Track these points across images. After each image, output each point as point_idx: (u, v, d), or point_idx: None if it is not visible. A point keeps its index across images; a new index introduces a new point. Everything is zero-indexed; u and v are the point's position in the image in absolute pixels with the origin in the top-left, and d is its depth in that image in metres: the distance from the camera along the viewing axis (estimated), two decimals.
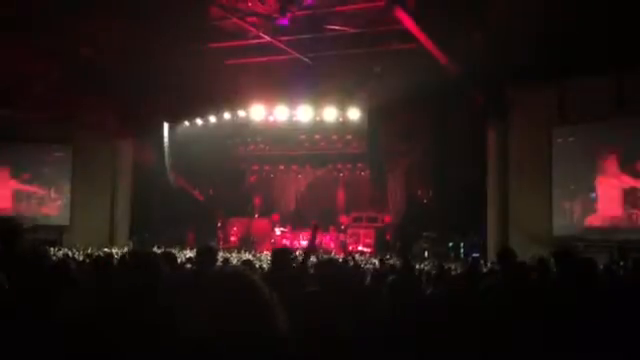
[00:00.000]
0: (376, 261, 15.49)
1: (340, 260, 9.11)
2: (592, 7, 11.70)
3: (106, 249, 15.71)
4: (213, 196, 23.39)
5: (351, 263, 8.85)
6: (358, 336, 3.53)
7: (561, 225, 15.52)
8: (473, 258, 15.77)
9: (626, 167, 14.55)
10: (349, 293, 4.40)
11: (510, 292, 4.52)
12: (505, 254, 5.75)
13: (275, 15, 14.29)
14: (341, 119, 19.28)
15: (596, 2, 11.67)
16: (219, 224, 23.27)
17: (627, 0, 11.57)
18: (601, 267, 6.91)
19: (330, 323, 3.48)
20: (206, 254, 5.45)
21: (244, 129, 21.36)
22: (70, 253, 13.28)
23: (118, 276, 2.95)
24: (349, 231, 21.67)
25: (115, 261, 6.60)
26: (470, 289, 5.12)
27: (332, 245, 21.22)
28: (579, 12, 11.84)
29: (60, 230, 19.66)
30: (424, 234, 19.11)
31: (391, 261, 12.87)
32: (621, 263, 7.72)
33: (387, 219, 21.79)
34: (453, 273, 9.10)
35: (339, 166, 23.39)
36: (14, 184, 20.26)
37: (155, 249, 12.73)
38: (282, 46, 16.20)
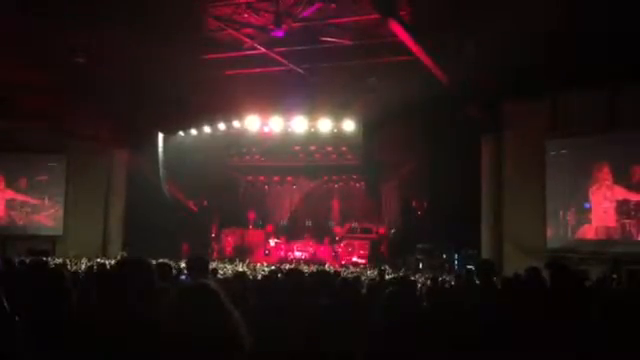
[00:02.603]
0: (370, 272, 15.54)
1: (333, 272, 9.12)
2: (585, 21, 11.79)
3: (99, 259, 15.65)
4: (207, 207, 23.37)
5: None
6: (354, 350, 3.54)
7: (555, 237, 15.56)
8: (467, 270, 15.80)
9: (619, 179, 14.62)
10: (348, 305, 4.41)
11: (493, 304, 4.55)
12: (483, 267, 5.79)
13: (270, 27, 14.34)
14: (336, 130, 19.33)
15: (589, 16, 11.76)
16: (213, 235, 23.24)
17: (622, 15, 11.65)
18: (595, 279, 6.96)
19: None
20: (196, 264, 5.48)
21: (239, 140, 21.38)
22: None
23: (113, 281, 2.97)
24: (343, 242, 21.67)
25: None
26: (463, 302, 5.14)
27: (326, 256, 21.22)
28: (573, 26, 11.94)
29: (53, 240, 19.61)
30: (418, 246, 19.11)
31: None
32: (614, 276, 7.78)
33: (382, 231, 21.81)
34: (447, 285, 9.12)
35: (334, 177, 23.45)
36: (8, 193, 20.22)
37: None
38: (277, 57, 16.26)
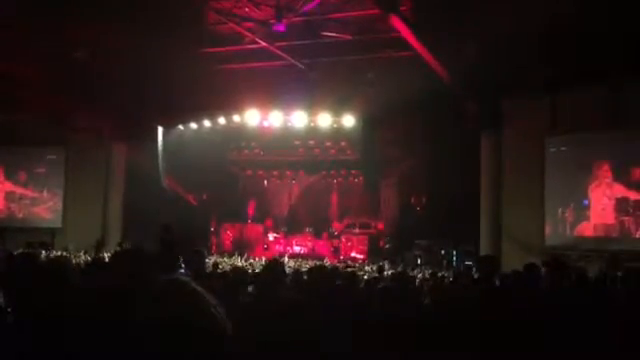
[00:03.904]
0: (369, 268, 15.56)
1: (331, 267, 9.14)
2: (586, 20, 11.78)
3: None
4: (206, 201, 23.35)
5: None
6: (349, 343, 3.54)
7: (553, 234, 15.58)
8: (465, 266, 15.85)
9: (619, 177, 14.64)
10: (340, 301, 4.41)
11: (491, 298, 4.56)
12: (483, 262, 5.81)
13: (271, 21, 14.32)
14: (335, 125, 19.33)
15: (590, 15, 11.75)
16: (212, 229, 23.23)
17: (623, 13, 11.64)
18: (594, 277, 6.97)
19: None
20: (195, 257, 5.50)
21: (238, 134, 21.37)
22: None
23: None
24: (342, 237, 21.69)
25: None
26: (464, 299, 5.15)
27: (325, 251, 21.23)
28: (573, 24, 11.92)
29: (52, 232, 19.62)
30: (417, 242, 19.13)
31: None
32: (619, 273, 7.78)
33: (380, 226, 21.82)
34: (446, 281, 9.13)
35: (333, 172, 23.43)
36: (7, 186, 20.23)
37: None
38: (278, 52, 16.23)
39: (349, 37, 15.46)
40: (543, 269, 5.77)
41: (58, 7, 13.15)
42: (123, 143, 20.50)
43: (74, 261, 11.55)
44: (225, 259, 17.20)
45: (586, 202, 15.20)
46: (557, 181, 15.64)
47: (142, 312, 1.69)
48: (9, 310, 2.95)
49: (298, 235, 22.33)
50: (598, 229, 14.96)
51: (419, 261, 18.22)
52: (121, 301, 2.29)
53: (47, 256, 12.17)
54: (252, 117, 19.20)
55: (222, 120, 19.60)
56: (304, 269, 8.77)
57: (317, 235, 22.16)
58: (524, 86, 15.11)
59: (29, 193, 20.30)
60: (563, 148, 15.78)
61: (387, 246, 20.04)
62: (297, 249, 21.62)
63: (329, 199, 23.83)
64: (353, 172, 22.99)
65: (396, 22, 12.46)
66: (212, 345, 1.67)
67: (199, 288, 1.76)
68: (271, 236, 22.55)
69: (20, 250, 12.55)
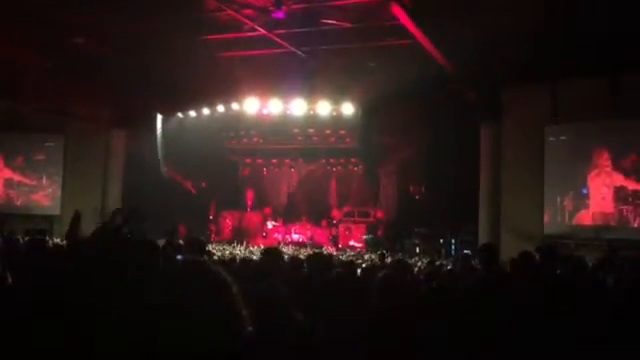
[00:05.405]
0: (367, 256, 15.60)
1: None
2: (587, 8, 11.73)
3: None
4: (205, 189, 23.37)
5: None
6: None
7: (552, 223, 15.60)
8: (464, 255, 15.86)
9: (618, 165, 14.64)
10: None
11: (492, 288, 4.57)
12: (485, 250, 5.82)
13: (271, 8, 14.22)
14: (335, 114, 19.31)
15: (591, 4, 11.70)
16: (211, 217, 23.27)
17: (623, 5, 11.59)
18: (591, 265, 6.99)
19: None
20: (193, 246, 5.51)
21: (238, 122, 21.35)
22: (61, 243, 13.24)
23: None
24: (341, 226, 21.73)
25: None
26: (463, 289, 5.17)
27: (323, 240, 21.28)
28: (574, 13, 11.87)
29: (51, 220, 19.62)
30: (415, 230, 19.17)
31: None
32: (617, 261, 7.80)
33: (379, 214, 21.85)
34: (444, 269, 9.16)
35: (332, 160, 23.46)
36: (6, 172, 20.22)
37: None
38: (277, 39, 16.14)
39: (349, 25, 15.36)
40: (537, 256, 5.79)
41: None
42: (122, 130, 20.46)
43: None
44: (225, 246, 17.24)
45: (585, 191, 15.20)
46: (556, 170, 15.64)
47: (154, 294, 1.64)
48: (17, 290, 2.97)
49: (297, 223, 22.36)
50: (597, 218, 14.98)
51: (417, 249, 18.26)
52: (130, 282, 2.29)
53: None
54: (251, 105, 19.17)
55: (221, 108, 19.58)
56: (302, 257, 8.79)
57: (316, 223, 22.20)
58: (524, 76, 15.06)
59: (28, 180, 20.29)
60: (563, 137, 15.77)
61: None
62: (296, 237, 21.67)
63: (328, 187, 23.85)
64: (352, 160, 23.02)
65: (396, 10, 12.39)
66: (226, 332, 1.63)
67: (219, 270, 1.72)
68: (270, 224, 22.59)
69: (19, 236, 12.56)
